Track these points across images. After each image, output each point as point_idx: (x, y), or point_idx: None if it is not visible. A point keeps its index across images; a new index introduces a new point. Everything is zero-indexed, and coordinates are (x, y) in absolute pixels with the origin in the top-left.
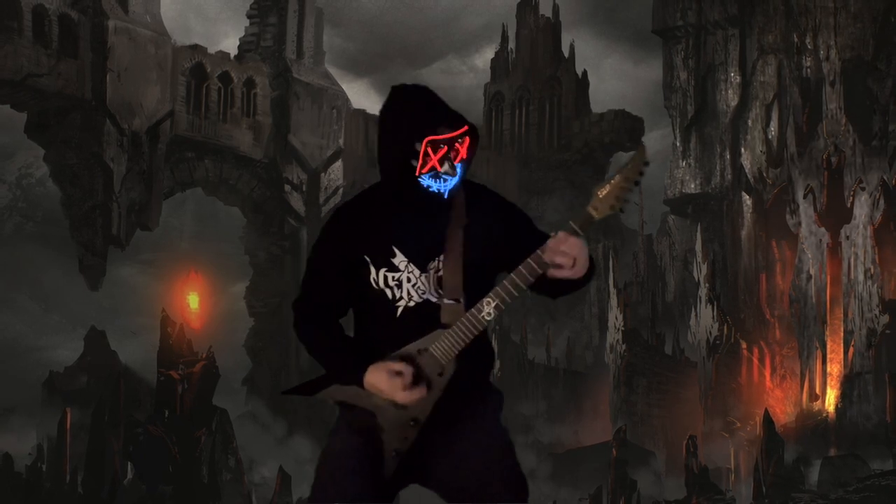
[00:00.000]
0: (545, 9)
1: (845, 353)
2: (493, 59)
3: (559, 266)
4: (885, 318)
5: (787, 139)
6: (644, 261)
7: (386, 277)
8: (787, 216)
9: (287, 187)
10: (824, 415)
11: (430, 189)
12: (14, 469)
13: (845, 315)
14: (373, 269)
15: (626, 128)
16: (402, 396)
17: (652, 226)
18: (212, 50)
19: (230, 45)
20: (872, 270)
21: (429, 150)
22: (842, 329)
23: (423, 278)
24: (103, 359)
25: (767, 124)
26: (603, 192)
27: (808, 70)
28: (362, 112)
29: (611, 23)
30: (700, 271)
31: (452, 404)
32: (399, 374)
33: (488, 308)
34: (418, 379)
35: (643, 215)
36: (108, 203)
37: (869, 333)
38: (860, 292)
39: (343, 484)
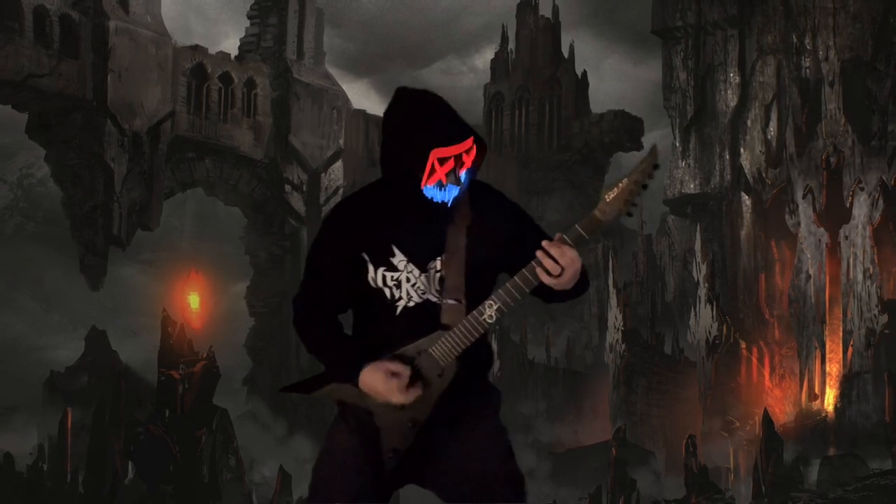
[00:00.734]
0: (545, 9)
1: (844, 352)
2: (492, 60)
3: (545, 271)
4: (884, 318)
5: (787, 139)
6: (644, 261)
7: (384, 277)
8: (787, 216)
9: (287, 187)
10: (823, 414)
11: (434, 199)
12: (15, 468)
13: (844, 315)
14: (371, 268)
15: (626, 128)
16: (399, 398)
17: (651, 226)
18: (212, 50)
19: (231, 46)
20: (871, 270)
21: (436, 163)
22: (841, 329)
23: (422, 278)
24: (104, 358)
25: (767, 124)
26: (611, 196)
27: (808, 70)
28: (362, 112)
29: (610, 23)
30: (699, 271)
31: (451, 405)
32: (396, 375)
33: (490, 311)
34: (415, 380)
35: (643, 215)
36: (108, 203)
37: (868, 333)
38: (859, 292)
39: (340, 484)
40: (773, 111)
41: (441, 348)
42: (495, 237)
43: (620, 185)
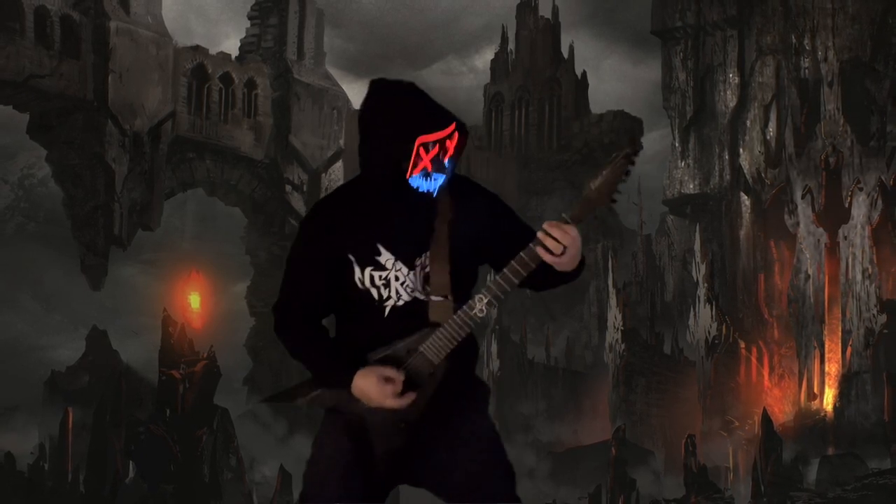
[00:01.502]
0: (545, 10)
1: (843, 352)
2: (492, 60)
3: (548, 251)
4: (883, 318)
5: (786, 140)
6: (643, 261)
7: (372, 277)
8: (786, 216)
9: (288, 187)
10: (822, 414)
11: (420, 189)
12: (16, 468)
13: (843, 315)
14: (357, 269)
15: (626, 128)
16: (393, 403)
17: (651, 226)
18: (213, 51)
19: (231, 46)
20: (870, 270)
21: (420, 150)
22: (840, 329)
23: (410, 276)
24: (105, 358)
25: (766, 125)
26: (595, 185)
27: (807, 71)
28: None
29: (610, 24)
30: (699, 271)
31: (441, 402)
32: (390, 380)
33: (480, 305)
34: (408, 382)
35: (642, 215)
36: (109, 203)
37: (867, 333)
38: (858, 292)
39: (332, 487)
40: (772, 111)
41: (432, 346)
42: (478, 230)
43: (604, 172)
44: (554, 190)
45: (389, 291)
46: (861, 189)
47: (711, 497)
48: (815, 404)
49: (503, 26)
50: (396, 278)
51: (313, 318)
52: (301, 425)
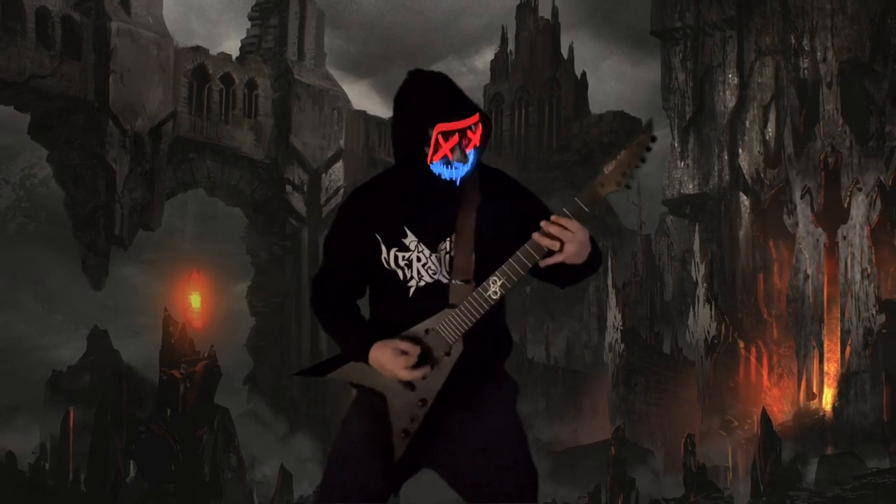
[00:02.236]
0: (544, 10)
1: (842, 352)
2: (492, 61)
3: (549, 249)
4: (882, 318)
5: (785, 140)
6: (643, 261)
7: (397, 257)
8: (785, 216)
9: (288, 188)
10: (821, 413)
11: (442, 176)
12: (17, 467)
13: (842, 314)
14: (384, 249)
15: (625, 129)
16: (406, 374)
17: (650, 226)
18: (213, 51)
19: (232, 47)
20: (869, 270)
21: (440, 138)
22: (839, 328)
23: (433, 258)
24: (106, 358)
25: (765, 125)
26: (609, 168)
27: (806, 71)
28: (363, 113)
29: (609, 24)
30: (698, 271)
31: (463, 388)
32: (404, 352)
33: (494, 287)
34: (425, 358)
35: (642, 215)
36: (110, 203)
37: (866, 333)
38: (857, 292)
39: (352, 467)
40: (771, 112)
41: (447, 326)
42: (505, 220)
43: (619, 157)
44: (553, 190)
45: (412, 272)
46: (860, 189)
47: (711, 496)
48: (814, 404)
49: (503, 27)
50: (419, 259)
51: (345, 294)
52: (301, 425)
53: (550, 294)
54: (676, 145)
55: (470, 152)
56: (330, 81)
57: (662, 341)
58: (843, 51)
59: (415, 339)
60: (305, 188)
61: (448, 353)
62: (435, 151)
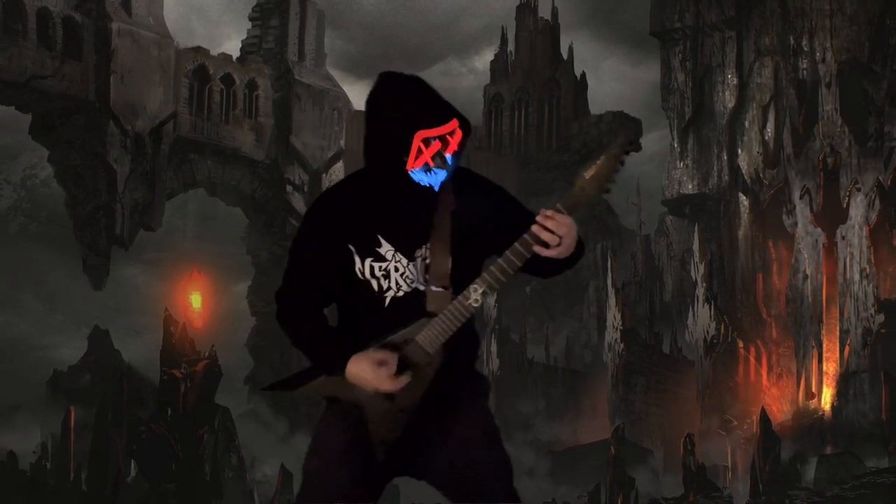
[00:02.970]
0: (544, 11)
1: (841, 351)
2: (492, 61)
3: (544, 244)
4: (881, 318)
5: (784, 140)
6: (642, 261)
7: (372, 268)
8: (784, 216)
9: (289, 188)
10: (820, 413)
11: (422, 183)
12: (18, 467)
13: (841, 314)
14: (357, 259)
15: (624, 129)
16: (387, 386)
17: (650, 226)
18: (214, 52)
19: (232, 48)
20: (868, 270)
21: (421, 145)
22: (838, 328)
23: (410, 267)
24: (107, 358)
25: (764, 125)
26: (590, 173)
27: (805, 72)
28: (363, 113)
29: (609, 25)
30: (697, 271)
31: (440, 393)
32: (383, 363)
33: (475, 295)
34: (403, 368)
35: (641, 216)
36: (111, 203)
37: (864, 332)
38: (856, 292)
39: (331, 479)
40: (770, 112)
41: (427, 335)
42: (480, 222)
43: (598, 162)
44: (553, 190)
45: (389, 282)
46: (859, 189)
47: (710, 496)
48: (813, 403)
49: (503, 27)
50: (396, 269)
51: (314, 306)
52: (302, 424)
53: (550, 294)
54: (676, 146)
55: (450, 157)
56: (330, 82)
57: (662, 341)
58: (842, 51)
59: (392, 349)
60: (306, 188)
61: (428, 363)
62: (416, 158)
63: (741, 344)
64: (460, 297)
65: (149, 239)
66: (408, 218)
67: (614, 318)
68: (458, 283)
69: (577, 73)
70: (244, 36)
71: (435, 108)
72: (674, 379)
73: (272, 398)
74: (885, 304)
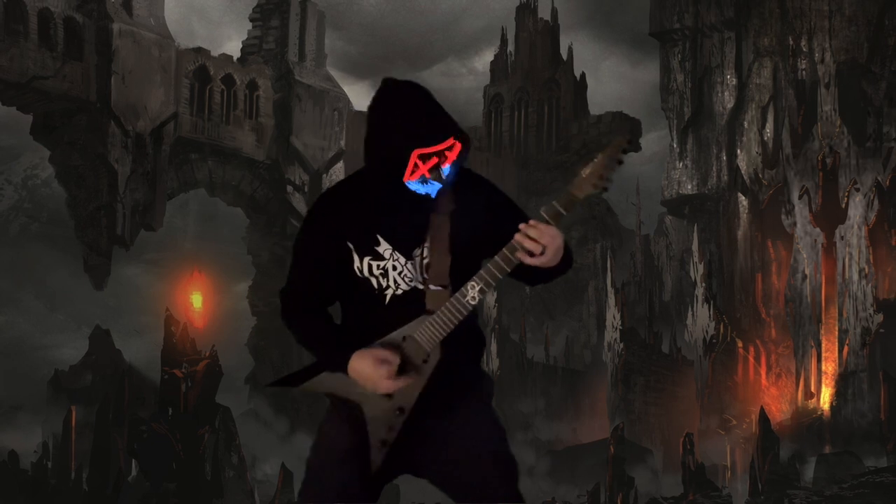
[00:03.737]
0: (544, 12)
1: (840, 351)
2: (492, 62)
3: (529, 253)
4: (879, 318)
5: (783, 141)
6: (641, 261)
7: (370, 266)
8: (783, 217)
9: (289, 188)
10: (819, 412)
11: (418, 192)
12: (20, 466)
13: (840, 314)
14: (356, 258)
15: (624, 129)
16: (387, 385)
17: (649, 226)
18: (215, 53)
19: (233, 48)
20: (867, 270)
21: (418, 162)
22: (836, 328)
23: (409, 266)
24: (108, 357)
25: (763, 126)
26: (586, 172)
27: (804, 72)
28: (363, 114)
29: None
30: (696, 271)
31: (440, 392)
32: (385, 362)
33: (472, 292)
34: (405, 367)
35: (640, 216)
36: (112, 204)
37: (863, 332)
38: (854, 292)
39: (330, 477)
40: (769, 113)
41: (425, 333)
42: (480, 223)
43: (595, 161)
44: (553, 190)
45: (388, 281)
46: (857, 189)
47: (709, 495)
48: (811, 403)
49: (503, 28)
50: (394, 268)
51: (316, 304)
52: (302, 423)
53: (550, 294)
54: (675, 146)
55: (446, 169)
56: (331, 82)
57: (661, 341)
58: (841, 52)
59: (392, 347)
60: (306, 188)
61: (426, 360)
62: (412, 172)
63: (740, 344)
64: (457, 295)
65: (150, 239)
66: (406, 217)
67: (614, 317)
68: (457, 283)
69: (577, 73)
70: (245, 37)
71: (431, 127)
72: (673, 378)
73: (273, 398)
74: (884, 304)
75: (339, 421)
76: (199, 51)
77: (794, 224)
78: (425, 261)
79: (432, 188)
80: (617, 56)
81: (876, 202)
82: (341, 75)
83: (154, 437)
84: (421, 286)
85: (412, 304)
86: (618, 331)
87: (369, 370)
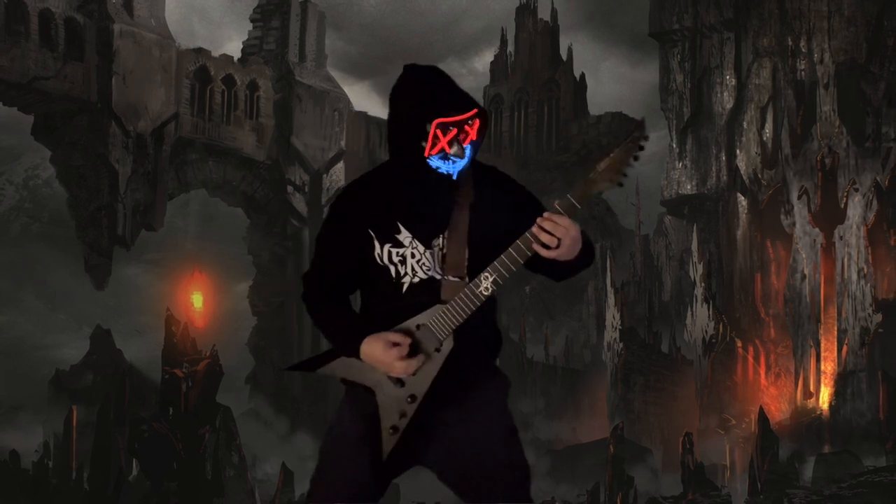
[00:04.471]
0: (543, 13)
1: (839, 351)
2: (492, 62)
3: (545, 246)
4: (878, 317)
5: (782, 141)
6: (641, 261)
7: (390, 253)
8: (782, 217)
9: (289, 188)
10: (818, 412)
11: (440, 170)
12: (21, 466)
13: (839, 314)
14: (377, 245)
15: (624, 130)
16: (398, 367)
17: (649, 226)
18: (216, 53)
19: (234, 49)
20: (866, 270)
21: (438, 132)
22: (835, 328)
23: (427, 255)
24: (109, 357)
25: (762, 126)
26: (603, 166)
27: (803, 73)
28: (364, 114)
29: (608, 26)
30: (696, 271)
31: (453, 384)
32: (396, 344)
33: (486, 283)
34: (415, 352)
35: (640, 216)
36: (113, 204)
37: (862, 332)
38: (853, 291)
39: (341, 462)
40: (768, 113)
41: (438, 321)
42: (499, 216)
43: (612, 155)
44: (553, 190)
45: (406, 268)
46: (856, 190)
47: (708, 494)
48: (811, 402)
49: (502, 29)
50: (413, 255)
51: (336, 290)
52: (303, 423)
53: (550, 293)
54: (674, 146)
55: (467, 146)
56: (331, 83)
57: (661, 340)
58: (840, 52)
59: (405, 333)
60: (307, 189)
61: (438, 349)
62: (432, 146)
63: (739, 343)
64: (471, 285)
65: (150, 239)
66: (427, 207)
67: (613, 317)
68: (474, 274)
69: (577, 74)
70: (245, 37)
71: (453, 97)
72: (672, 378)
73: (273, 398)
74: (883, 304)
75: (352, 409)
76: (199, 51)
77: (794, 224)
78: (443, 251)
79: (454, 167)
80: (616, 56)
81: (875, 202)
82: (341, 76)
83: (155, 436)
84: (438, 276)
85: (428, 293)
86: (617, 331)
87: (380, 353)
